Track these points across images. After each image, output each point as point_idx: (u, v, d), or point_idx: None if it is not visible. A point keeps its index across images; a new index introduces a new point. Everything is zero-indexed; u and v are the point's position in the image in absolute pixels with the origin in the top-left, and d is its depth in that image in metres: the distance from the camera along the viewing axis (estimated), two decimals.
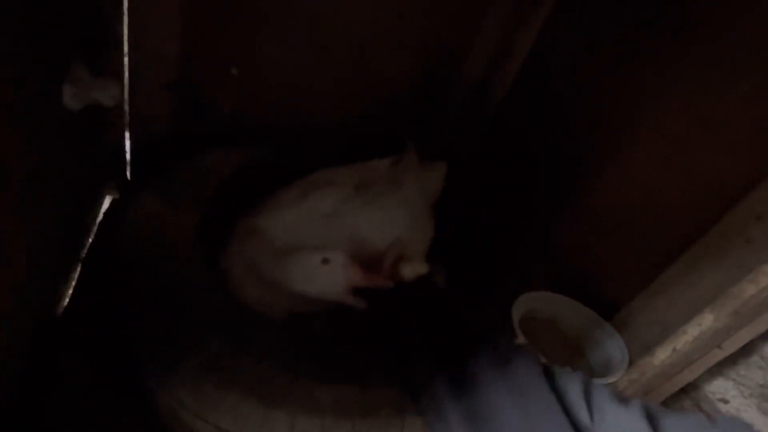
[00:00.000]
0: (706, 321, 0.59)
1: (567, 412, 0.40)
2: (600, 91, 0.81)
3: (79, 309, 0.69)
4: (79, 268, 0.74)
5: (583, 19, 0.85)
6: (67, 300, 0.71)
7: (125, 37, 0.75)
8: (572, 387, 0.43)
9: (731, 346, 0.60)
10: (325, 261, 0.63)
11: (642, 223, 0.74)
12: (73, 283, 0.73)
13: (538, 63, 0.93)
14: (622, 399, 0.40)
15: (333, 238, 0.69)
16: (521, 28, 0.93)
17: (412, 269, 0.69)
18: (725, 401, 0.71)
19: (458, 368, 0.50)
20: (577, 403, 0.40)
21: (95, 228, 0.82)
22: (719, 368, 0.67)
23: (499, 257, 0.96)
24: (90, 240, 0.79)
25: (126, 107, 0.86)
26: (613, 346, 0.76)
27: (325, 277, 0.62)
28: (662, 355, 0.65)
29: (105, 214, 0.84)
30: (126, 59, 0.80)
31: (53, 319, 0.68)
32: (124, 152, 0.93)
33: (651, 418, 0.37)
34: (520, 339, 0.72)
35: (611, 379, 0.71)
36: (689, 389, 0.73)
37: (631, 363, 0.71)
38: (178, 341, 0.54)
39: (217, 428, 0.50)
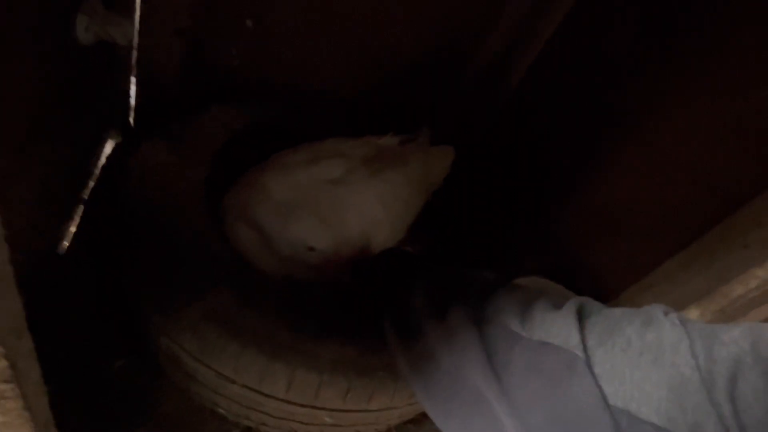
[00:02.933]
0: (691, 316, 0.61)
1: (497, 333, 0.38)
2: (610, 88, 0.81)
3: (81, 249, 0.69)
4: (81, 209, 0.74)
5: (603, 15, 0.84)
6: (69, 239, 0.71)
7: None
8: (510, 304, 0.40)
9: None
10: (311, 249, 0.66)
11: (641, 221, 0.75)
12: (76, 224, 0.73)
13: (554, 53, 0.92)
14: (559, 304, 0.37)
15: (334, 205, 0.69)
16: (544, 16, 0.91)
17: None
18: None
19: (403, 318, 0.49)
20: (512, 321, 0.37)
21: (98, 171, 0.81)
22: None
23: (493, 243, 0.97)
24: (93, 182, 0.78)
25: (135, 50, 0.84)
26: None
27: (308, 258, 0.67)
28: None
29: (108, 158, 0.83)
30: (139, 0, 0.77)
31: (55, 257, 0.68)
32: (129, 97, 0.91)
33: (580, 317, 0.34)
34: None
35: None
36: None
37: None
38: (181, 288, 0.54)
39: (219, 374, 0.52)
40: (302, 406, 0.54)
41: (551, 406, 0.32)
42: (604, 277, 0.79)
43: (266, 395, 0.54)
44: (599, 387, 0.30)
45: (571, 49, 0.91)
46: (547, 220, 0.88)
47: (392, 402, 0.57)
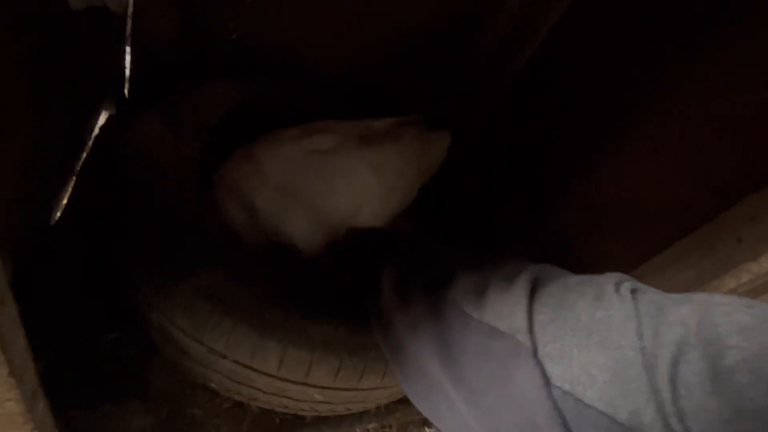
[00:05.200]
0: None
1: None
2: (611, 81, 0.80)
3: (72, 221, 0.68)
4: (74, 181, 0.73)
5: (607, 7, 0.82)
6: (61, 211, 0.70)
7: None
8: (468, 284, 0.39)
9: None
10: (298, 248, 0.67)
11: (636, 214, 0.75)
12: (68, 195, 0.72)
13: (556, 42, 0.91)
14: (515, 278, 0.36)
15: (323, 173, 0.68)
16: (549, 2, 0.89)
17: None
18: None
19: (376, 303, 0.48)
20: (466, 303, 0.37)
21: (91, 142, 0.79)
22: None
23: (489, 234, 0.97)
24: (85, 154, 0.77)
25: (130, 19, 0.82)
26: None
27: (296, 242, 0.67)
28: None
29: (102, 129, 0.81)
30: None
31: (47, 228, 0.67)
32: (124, 68, 0.89)
33: (534, 290, 0.34)
34: None
35: None
36: None
37: None
38: (174, 264, 0.54)
39: (211, 350, 0.52)
40: (293, 383, 0.55)
41: (500, 390, 0.32)
42: (598, 269, 0.79)
43: (258, 371, 0.54)
44: (544, 373, 0.29)
45: (574, 40, 0.89)
46: (543, 211, 0.88)
47: (383, 381, 0.58)
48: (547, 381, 0.29)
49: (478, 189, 1.02)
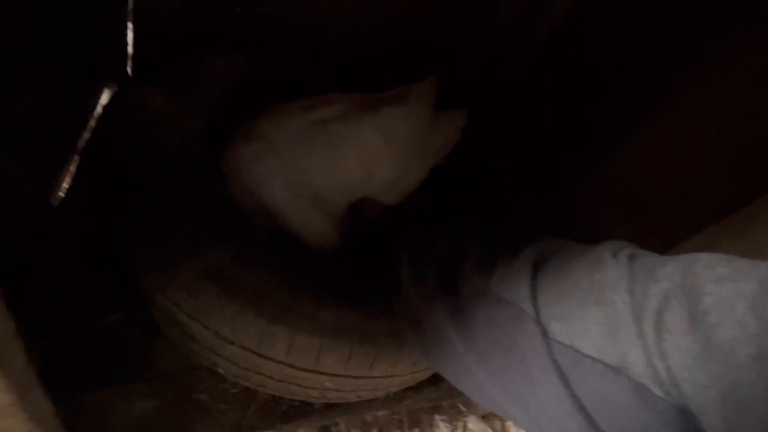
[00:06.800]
0: None
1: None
2: (642, 57, 0.75)
3: (76, 201, 0.66)
4: (77, 160, 0.71)
5: None
6: (63, 190, 0.68)
7: None
8: (483, 258, 0.42)
9: None
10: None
11: (664, 195, 0.71)
12: (71, 174, 0.70)
13: (582, 12, 0.85)
14: (520, 252, 0.40)
15: (334, 145, 0.65)
16: None
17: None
18: None
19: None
20: (479, 277, 0.40)
21: (94, 120, 0.77)
22: None
23: (507, 215, 0.94)
24: (88, 132, 0.75)
25: None
26: None
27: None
28: None
29: (104, 107, 0.79)
30: None
31: (49, 208, 0.65)
32: (126, 44, 0.86)
33: (538, 263, 0.37)
34: None
35: None
36: None
37: None
38: (178, 244, 0.52)
39: (217, 335, 0.50)
40: (303, 370, 0.53)
41: (505, 352, 0.36)
42: None
43: (265, 357, 0.52)
44: (544, 334, 0.33)
45: (602, 9, 0.84)
46: (564, 190, 0.84)
47: (395, 369, 0.56)
48: (546, 341, 0.33)
49: (495, 167, 0.98)
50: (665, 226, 0.68)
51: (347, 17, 0.90)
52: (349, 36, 0.92)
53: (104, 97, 0.82)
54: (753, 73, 0.60)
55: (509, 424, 0.88)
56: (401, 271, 0.48)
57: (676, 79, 0.70)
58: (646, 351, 0.27)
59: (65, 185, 0.69)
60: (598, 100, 0.82)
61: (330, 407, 0.66)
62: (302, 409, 0.64)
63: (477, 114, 0.86)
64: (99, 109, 0.79)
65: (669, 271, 0.29)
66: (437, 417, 0.83)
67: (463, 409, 0.85)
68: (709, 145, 0.64)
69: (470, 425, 0.85)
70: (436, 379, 0.78)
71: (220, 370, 0.58)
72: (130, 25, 0.84)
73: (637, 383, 0.28)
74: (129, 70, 0.87)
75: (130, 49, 0.86)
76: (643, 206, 0.72)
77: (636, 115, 0.75)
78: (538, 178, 0.91)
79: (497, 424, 0.87)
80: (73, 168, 0.71)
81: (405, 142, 0.70)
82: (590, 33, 0.85)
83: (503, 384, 0.37)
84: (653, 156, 0.72)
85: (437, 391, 0.78)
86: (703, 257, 0.29)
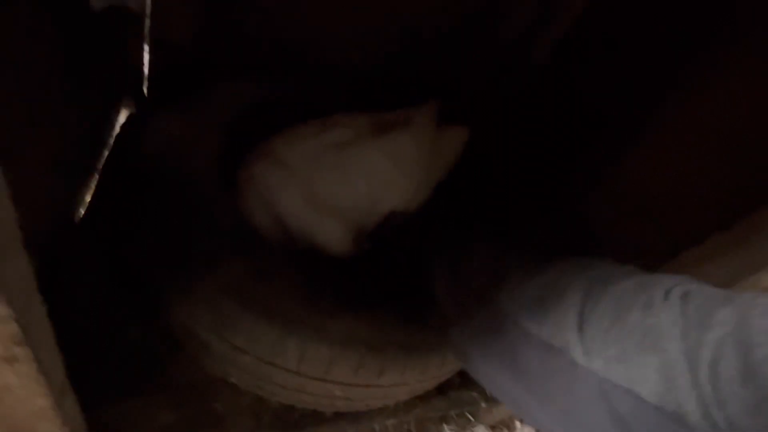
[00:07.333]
0: None
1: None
2: (650, 61, 0.76)
3: (96, 219, 0.69)
4: (96, 179, 0.74)
5: None
6: (84, 208, 0.72)
7: None
8: (526, 296, 0.43)
9: None
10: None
11: (671, 202, 0.71)
12: (91, 193, 0.73)
13: (589, 22, 0.87)
14: (565, 291, 0.40)
15: (344, 169, 0.68)
16: None
17: None
18: None
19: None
20: (524, 318, 0.41)
21: (112, 141, 0.80)
22: None
23: (514, 224, 0.95)
24: (107, 152, 0.78)
25: (148, 18, 0.82)
26: None
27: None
28: None
29: (122, 127, 0.83)
30: None
31: (71, 225, 0.68)
32: (143, 66, 0.90)
33: (585, 304, 0.37)
34: None
35: None
36: None
37: None
38: (195, 260, 0.54)
39: (232, 346, 0.52)
40: (313, 379, 0.55)
41: (564, 399, 0.37)
42: (630, 262, 0.76)
43: (278, 368, 0.54)
44: (598, 382, 0.34)
45: (604, 17, 0.85)
46: (571, 199, 0.85)
47: (403, 378, 0.57)
48: (603, 388, 0.33)
49: (500, 179, 1.00)
50: (672, 233, 0.69)
51: (352, 38, 0.93)
52: (354, 57, 0.95)
53: (121, 118, 0.86)
54: (760, 77, 0.60)
55: None
56: (440, 297, 0.50)
57: (681, 84, 0.71)
58: (702, 401, 0.28)
59: (86, 203, 0.72)
60: (603, 108, 0.83)
61: (340, 416, 0.67)
62: (313, 418, 0.65)
63: (480, 127, 0.88)
64: (117, 130, 0.83)
65: (724, 316, 0.30)
66: (446, 427, 0.84)
67: (471, 419, 0.85)
68: (715, 151, 0.65)
69: None
70: (444, 389, 0.79)
71: (233, 381, 0.60)
72: (146, 48, 0.88)
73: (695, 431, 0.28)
74: (145, 91, 0.91)
75: (146, 71, 0.90)
76: (651, 213, 0.73)
77: (641, 122, 0.76)
78: (544, 189, 0.92)
79: None
80: (93, 186, 0.74)
81: (411, 164, 0.73)
82: (593, 41, 0.87)
83: (565, 424, 0.37)
84: (659, 163, 0.73)
85: (446, 401, 0.79)
86: (761, 303, 0.30)
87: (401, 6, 0.89)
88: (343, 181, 0.68)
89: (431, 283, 0.53)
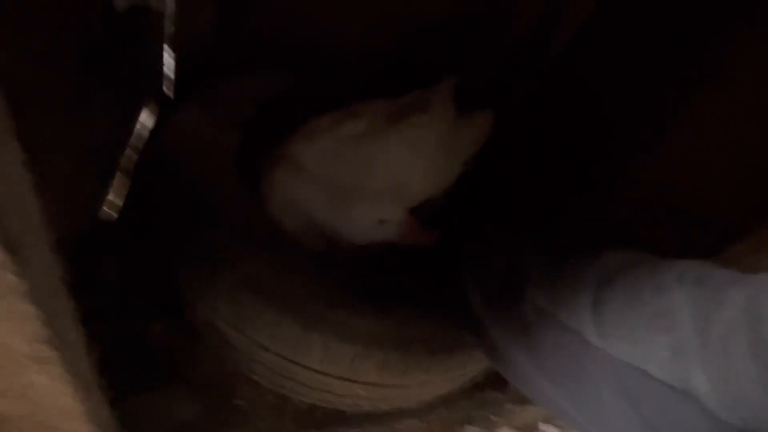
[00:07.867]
0: None
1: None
2: (667, 61, 0.73)
3: (122, 215, 0.70)
4: (120, 177, 0.75)
5: None
6: (109, 206, 0.72)
7: None
8: (548, 284, 0.44)
9: None
10: (382, 221, 0.65)
11: (696, 204, 0.68)
12: (115, 191, 0.74)
13: (599, 23, 0.84)
14: (581, 277, 0.41)
15: (364, 161, 0.67)
16: None
17: None
18: None
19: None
20: (543, 300, 0.42)
21: (133, 140, 0.81)
22: None
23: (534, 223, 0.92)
24: (130, 150, 0.79)
25: (169, 17, 0.83)
26: None
27: (379, 233, 0.65)
28: None
29: (143, 126, 0.83)
30: None
31: (96, 222, 0.69)
32: (163, 66, 0.91)
33: (600, 288, 0.38)
34: None
35: None
36: None
37: None
38: (217, 255, 0.54)
39: (254, 342, 0.52)
40: (336, 377, 0.54)
41: (575, 377, 0.38)
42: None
43: (300, 365, 0.53)
44: (608, 361, 0.35)
45: (619, 16, 0.82)
46: (598, 196, 0.82)
47: (427, 377, 0.56)
48: (614, 366, 0.34)
49: (525, 172, 0.97)
50: (708, 230, 0.66)
51: (365, 32, 0.92)
52: (368, 50, 0.95)
53: (144, 117, 0.87)
54: None
55: None
56: (469, 294, 0.51)
57: (712, 70, 0.67)
58: (710, 376, 0.29)
59: (111, 200, 0.73)
60: (625, 101, 0.80)
61: (363, 416, 0.66)
62: (336, 417, 0.64)
63: (500, 120, 0.86)
64: (139, 128, 0.84)
65: (734, 298, 0.30)
66: (469, 427, 0.82)
67: (495, 419, 0.83)
68: (749, 139, 0.62)
69: None
70: (468, 390, 0.78)
71: (255, 377, 0.60)
72: (166, 48, 0.88)
73: (703, 406, 0.29)
74: (166, 90, 0.92)
75: (166, 70, 0.91)
76: (684, 209, 0.70)
77: (671, 112, 0.73)
78: (570, 185, 0.89)
79: None
80: (117, 184, 0.75)
81: (432, 149, 0.71)
82: (612, 35, 0.84)
83: (576, 404, 0.39)
84: (691, 157, 0.70)
85: (470, 401, 0.78)
86: None
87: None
88: (364, 173, 0.67)
89: (459, 277, 0.53)
